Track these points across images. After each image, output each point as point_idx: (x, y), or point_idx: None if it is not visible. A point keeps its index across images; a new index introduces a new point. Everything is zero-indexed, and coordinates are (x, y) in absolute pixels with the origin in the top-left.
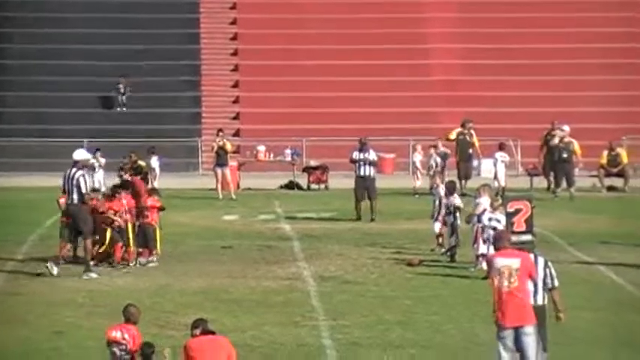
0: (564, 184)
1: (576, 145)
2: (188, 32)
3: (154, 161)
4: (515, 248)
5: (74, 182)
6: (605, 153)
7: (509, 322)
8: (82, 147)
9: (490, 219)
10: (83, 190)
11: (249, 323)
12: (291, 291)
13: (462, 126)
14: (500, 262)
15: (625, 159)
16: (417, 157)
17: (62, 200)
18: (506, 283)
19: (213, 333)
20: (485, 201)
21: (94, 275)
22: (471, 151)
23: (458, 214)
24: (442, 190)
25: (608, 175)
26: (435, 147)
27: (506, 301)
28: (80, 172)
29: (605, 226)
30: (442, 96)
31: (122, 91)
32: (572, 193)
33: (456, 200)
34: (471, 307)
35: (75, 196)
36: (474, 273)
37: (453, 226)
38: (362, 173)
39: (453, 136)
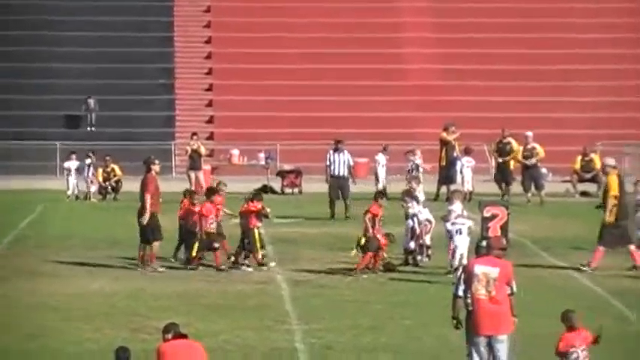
0: (533, 188)
1: (539, 148)
2: (162, 35)
3: (74, 164)
4: (495, 256)
5: None
6: (579, 158)
7: (484, 329)
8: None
9: (454, 223)
10: None
11: (222, 327)
12: (264, 295)
13: (446, 130)
14: (479, 269)
15: (598, 165)
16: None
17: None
18: (483, 291)
19: (185, 337)
20: (457, 207)
21: None
22: (455, 154)
23: (416, 220)
24: (421, 195)
25: (582, 180)
26: (412, 152)
27: (482, 309)
28: None
29: (578, 231)
30: (417, 101)
31: (92, 106)
32: (542, 197)
33: (410, 205)
34: (444, 312)
35: None
36: (448, 278)
37: (412, 231)
38: (336, 173)
39: (451, 137)
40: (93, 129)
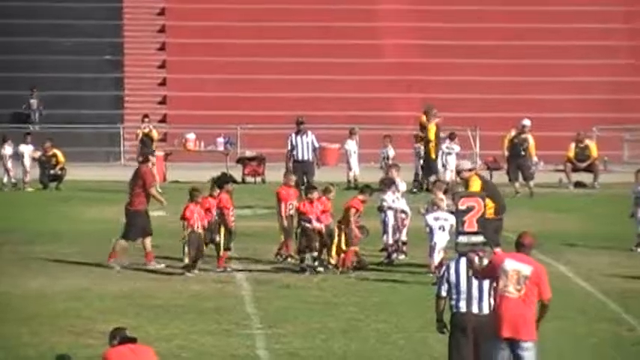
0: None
1: (531, 142)
2: (109, 6)
3: (8, 150)
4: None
5: None
6: (573, 145)
7: (506, 331)
8: None
9: (437, 218)
10: None
11: (176, 331)
12: (223, 296)
13: (426, 113)
14: (511, 264)
15: (594, 152)
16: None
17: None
18: (511, 289)
19: (134, 341)
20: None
21: None
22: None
23: (389, 212)
24: (402, 185)
25: (576, 169)
26: (389, 137)
27: (506, 309)
28: None
29: (572, 226)
30: (394, 80)
31: (35, 107)
32: (531, 188)
33: (386, 197)
34: (423, 315)
35: None
36: (428, 278)
37: (385, 225)
38: (300, 157)
39: (432, 122)
40: (37, 127)
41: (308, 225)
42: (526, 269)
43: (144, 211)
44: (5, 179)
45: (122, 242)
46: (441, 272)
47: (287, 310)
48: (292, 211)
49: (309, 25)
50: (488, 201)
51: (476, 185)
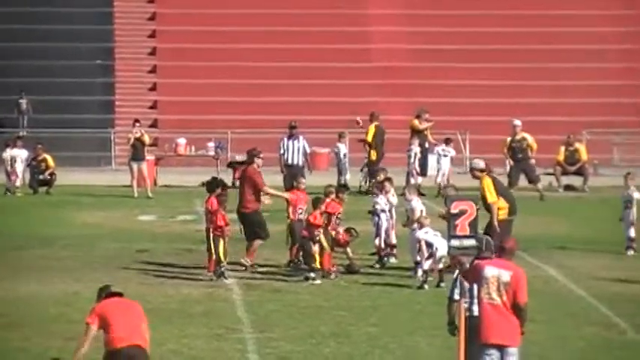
0: (524, 183)
1: (530, 140)
2: (100, 11)
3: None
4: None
5: None
6: (563, 149)
7: (494, 338)
8: None
9: (427, 232)
10: None
11: (167, 336)
12: (213, 300)
13: (418, 117)
14: (490, 271)
15: (584, 156)
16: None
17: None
18: (494, 295)
19: (120, 295)
20: (417, 203)
21: None
22: (427, 145)
23: (382, 215)
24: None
25: (566, 173)
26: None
27: (490, 315)
28: None
29: (562, 229)
30: (384, 84)
31: (24, 107)
32: (541, 191)
33: (379, 200)
34: (413, 319)
35: None
36: (417, 282)
37: (377, 227)
38: (290, 161)
39: (424, 125)
40: (25, 132)
41: (313, 247)
42: (505, 275)
43: (259, 211)
44: (16, 183)
45: (258, 242)
46: (454, 276)
47: (278, 314)
48: (302, 216)
49: (300, 30)
50: (502, 201)
51: (488, 185)
